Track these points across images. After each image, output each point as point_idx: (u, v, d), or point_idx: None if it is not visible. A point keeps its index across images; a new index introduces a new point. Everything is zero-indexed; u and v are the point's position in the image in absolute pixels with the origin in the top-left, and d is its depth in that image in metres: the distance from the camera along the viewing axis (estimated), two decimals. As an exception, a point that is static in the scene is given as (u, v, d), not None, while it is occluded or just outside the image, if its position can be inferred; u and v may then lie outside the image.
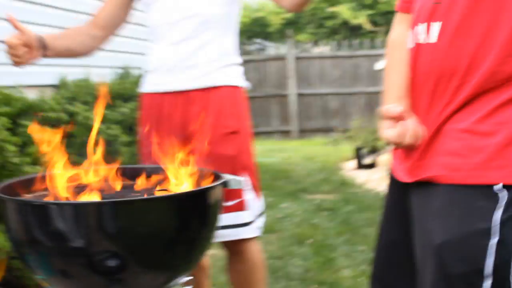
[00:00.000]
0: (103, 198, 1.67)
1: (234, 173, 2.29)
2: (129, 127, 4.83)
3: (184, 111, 2.45)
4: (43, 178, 1.85)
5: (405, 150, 1.62)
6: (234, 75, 2.52)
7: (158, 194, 1.69)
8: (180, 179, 1.79)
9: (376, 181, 7.12)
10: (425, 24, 1.55)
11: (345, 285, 3.59)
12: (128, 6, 2.63)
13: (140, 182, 1.84)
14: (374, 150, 8.15)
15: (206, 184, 1.74)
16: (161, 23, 2.52)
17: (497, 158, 1.39)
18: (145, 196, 1.69)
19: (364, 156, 8.10)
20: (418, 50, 1.58)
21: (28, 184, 1.83)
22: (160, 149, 1.93)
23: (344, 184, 7.05)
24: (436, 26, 1.52)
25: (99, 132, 4.01)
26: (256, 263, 2.52)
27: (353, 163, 8.43)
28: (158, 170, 1.86)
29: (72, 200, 1.65)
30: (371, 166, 8.06)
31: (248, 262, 2.50)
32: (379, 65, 8.28)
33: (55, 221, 1.49)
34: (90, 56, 2.71)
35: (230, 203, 2.36)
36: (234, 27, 2.56)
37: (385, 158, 8.30)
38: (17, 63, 2.30)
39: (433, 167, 1.49)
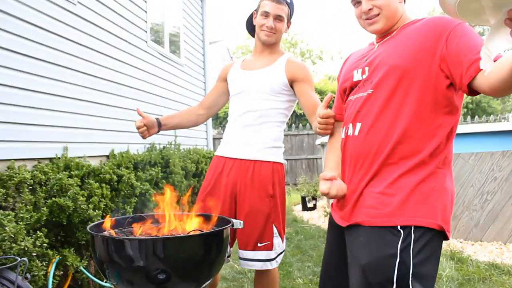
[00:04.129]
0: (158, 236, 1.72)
1: (266, 225, 2.33)
2: (155, 184, 4.86)
3: (237, 173, 2.40)
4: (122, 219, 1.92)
5: (339, 203, 1.69)
6: (277, 155, 2.44)
7: (191, 233, 1.72)
8: (208, 222, 1.85)
9: (316, 218, 7.07)
10: (351, 124, 1.65)
11: (299, 289, 3.59)
12: (226, 95, 2.66)
13: (186, 224, 1.88)
14: (314, 198, 8.11)
15: (220, 226, 1.80)
16: (233, 111, 2.51)
17: (397, 210, 1.47)
18: (182, 234, 1.73)
19: (307, 202, 8.01)
20: (346, 140, 1.67)
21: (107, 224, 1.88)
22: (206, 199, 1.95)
23: (295, 220, 6.95)
24: (358, 125, 1.61)
25: (135, 187, 4.07)
26: (273, 280, 2.46)
27: (300, 206, 8.32)
28: (198, 216, 1.91)
29: (137, 236, 1.72)
30: (312, 208, 7.98)
31: (268, 280, 2.45)
32: (318, 140, 8.40)
33: (127, 249, 1.55)
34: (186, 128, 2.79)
35: (263, 244, 2.35)
36: (282, 121, 2.48)
37: (321, 203, 8.36)
38: (142, 137, 2.44)
39: (358, 215, 1.56)
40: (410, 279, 1.42)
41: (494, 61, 1.27)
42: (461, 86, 1.44)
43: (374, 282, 1.45)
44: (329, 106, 1.82)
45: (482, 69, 1.20)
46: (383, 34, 1.70)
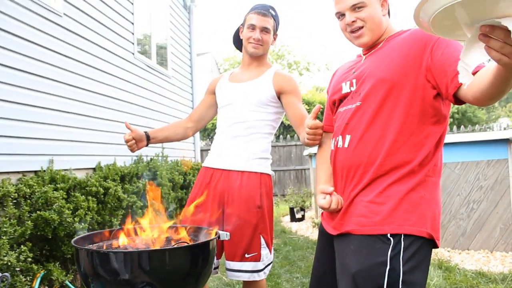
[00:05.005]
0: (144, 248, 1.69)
1: (254, 235, 2.30)
2: (142, 196, 4.82)
3: (225, 184, 2.39)
4: (106, 233, 1.89)
5: (330, 213, 1.69)
6: (265, 166, 2.44)
7: (176, 245, 1.70)
8: (193, 234, 1.82)
9: (304, 229, 7.05)
10: (340, 136, 1.66)
11: (287, 300, 3.59)
12: (214, 108, 2.66)
13: (171, 235, 1.85)
14: (302, 209, 8.08)
15: (206, 238, 1.78)
16: (222, 122, 2.51)
17: (387, 218, 1.48)
18: (167, 247, 1.70)
19: (296, 213, 7.98)
20: (336, 152, 1.68)
21: (91, 237, 1.87)
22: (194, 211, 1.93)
23: (283, 231, 6.90)
24: (348, 137, 1.62)
25: (122, 200, 4.03)
26: None
27: (288, 217, 8.30)
28: (184, 227, 1.88)
29: (122, 249, 1.69)
30: (301, 219, 7.96)
31: None
32: (306, 151, 8.41)
33: (112, 262, 1.52)
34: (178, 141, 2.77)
35: (250, 255, 2.33)
36: (269, 133, 2.48)
37: (310, 214, 8.35)
38: (131, 150, 2.43)
39: (349, 224, 1.56)
40: (400, 286, 1.42)
41: (476, 71, 1.31)
42: (447, 96, 1.47)
43: None
44: (317, 117, 1.83)
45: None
46: (369, 47, 1.72)
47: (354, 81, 1.67)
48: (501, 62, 1.00)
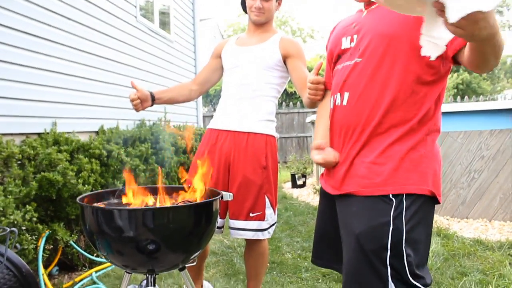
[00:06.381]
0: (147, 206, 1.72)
1: (259, 195, 2.34)
2: (145, 159, 4.84)
3: (231, 144, 2.42)
4: (107, 193, 1.92)
5: (329, 173, 1.69)
6: (270, 128, 2.48)
7: (180, 204, 1.72)
8: (197, 193, 1.83)
9: (305, 195, 7.10)
10: (339, 94, 1.63)
11: (288, 263, 3.61)
12: (219, 72, 2.67)
13: (174, 195, 1.88)
14: (303, 175, 8.14)
15: (209, 198, 1.80)
16: (227, 85, 2.53)
17: (389, 179, 1.48)
18: (172, 205, 1.73)
19: (297, 179, 8.06)
20: (335, 110, 1.66)
21: (96, 197, 1.90)
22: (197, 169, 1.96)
23: (284, 197, 6.96)
24: (346, 95, 1.60)
25: (125, 163, 4.05)
26: (263, 252, 2.52)
27: (290, 184, 8.38)
28: (185, 187, 1.90)
29: (126, 207, 1.71)
30: (302, 186, 8.03)
31: (258, 251, 2.50)
32: (308, 119, 8.39)
33: (116, 220, 1.55)
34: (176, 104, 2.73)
35: (255, 214, 2.38)
36: (275, 96, 2.51)
37: (311, 181, 8.40)
38: (136, 110, 2.40)
39: (350, 185, 1.56)
40: (404, 245, 1.44)
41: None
42: (446, 57, 1.46)
43: (369, 249, 1.46)
44: (319, 75, 1.82)
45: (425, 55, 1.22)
46: (370, 1, 1.68)
47: (355, 36, 1.63)
48: (457, 35, 1.01)
